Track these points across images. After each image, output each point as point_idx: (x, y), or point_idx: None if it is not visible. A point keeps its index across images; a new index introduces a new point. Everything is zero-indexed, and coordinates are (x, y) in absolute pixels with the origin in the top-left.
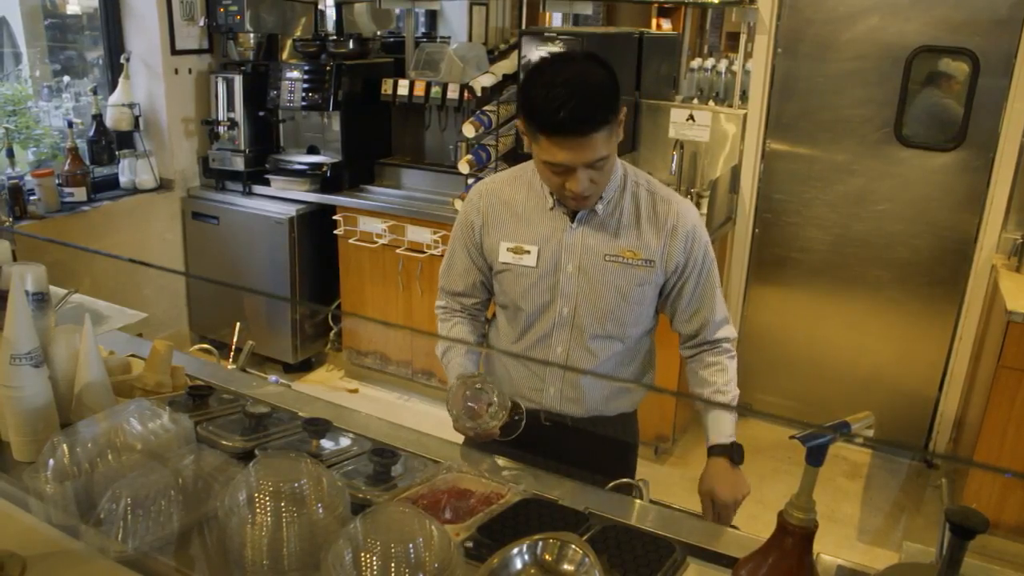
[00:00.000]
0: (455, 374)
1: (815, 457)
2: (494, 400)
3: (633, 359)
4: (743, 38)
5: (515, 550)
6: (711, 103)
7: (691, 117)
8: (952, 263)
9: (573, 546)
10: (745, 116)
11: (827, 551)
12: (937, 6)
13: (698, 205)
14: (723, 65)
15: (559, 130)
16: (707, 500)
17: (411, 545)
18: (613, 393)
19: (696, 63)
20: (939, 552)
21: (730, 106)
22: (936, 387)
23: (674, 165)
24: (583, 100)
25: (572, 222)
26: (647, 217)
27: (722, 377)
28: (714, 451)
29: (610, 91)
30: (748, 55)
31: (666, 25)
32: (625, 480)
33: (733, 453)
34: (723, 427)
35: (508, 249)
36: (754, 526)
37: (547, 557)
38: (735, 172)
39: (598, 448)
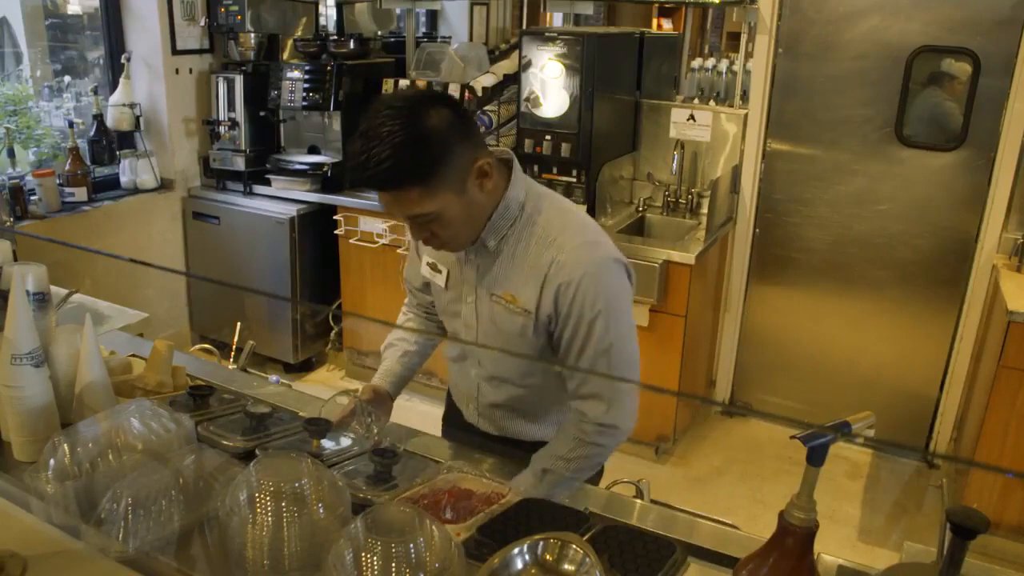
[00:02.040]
0: (378, 374)
1: (816, 457)
2: (360, 429)
3: (542, 413)
4: (744, 38)
5: (516, 550)
6: (712, 103)
7: (692, 117)
8: (953, 263)
9: (574, 546)
10: (746, 116)
11: (828, 551)
12: (938, 6)
13: (698, 205)
14: (724, 65)
15: (357, 182)
16: None
17: (412, 545)
18: (527, 422)
19: (697, 63)
20: (940, 552)
21: (731, 106)
22: (937, 387)
23: (675, 165)
24: (380, 158)
25: (468, 253)
26: (529, 261)
27: (581, 451)
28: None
29: (422, 150)
30: (749, 55)
31: (667, 25)
32: (625, 480)
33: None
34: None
35: (428, 263)
36: (755, 526)
37: (548, 557)
38: (736, 172)
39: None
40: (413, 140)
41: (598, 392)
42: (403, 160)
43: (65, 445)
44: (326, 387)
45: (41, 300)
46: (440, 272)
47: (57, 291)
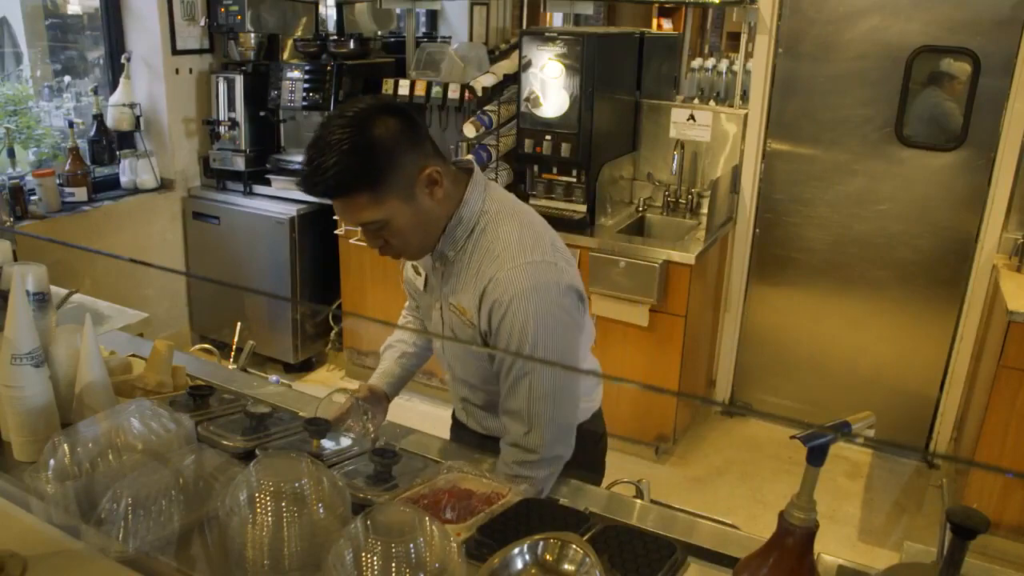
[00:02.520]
0: (375, 374)
1: (816, 457)
2: (356, 428)
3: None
4: (744, 38)
5: (516, 550)
6: (712, 103)
7: (692, 117)
8: (953, 263)
9: (574, 546)
10: (746, 116)
11: (828, 551)
12: (938, 6)
13: (699, 205)
14: (724, 65)
15: (307, 190)
16: None
17: (412, 545)
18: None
19: (697, 63)
20: (940, 552)
21: (731, 106)
22: (937, 387)
23: (675, 165)
24: (325, 167)
25: (436, 261)
26: (475, 274)
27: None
28: None
29: (367, 157)
30: (749, 55)
31: (667, 25)
32: (625, 480)
33: None
34: None
35: (411, 266)
36: (755, 526)
37: (548, 557)
38: (736, 172)
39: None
40: (359, 148)
41: (518, 411)
42: (349, 167)
43: (65, 445)
44: (326, 387)
45: (41, 300)
46: (419, 276)
47: (57, 291)
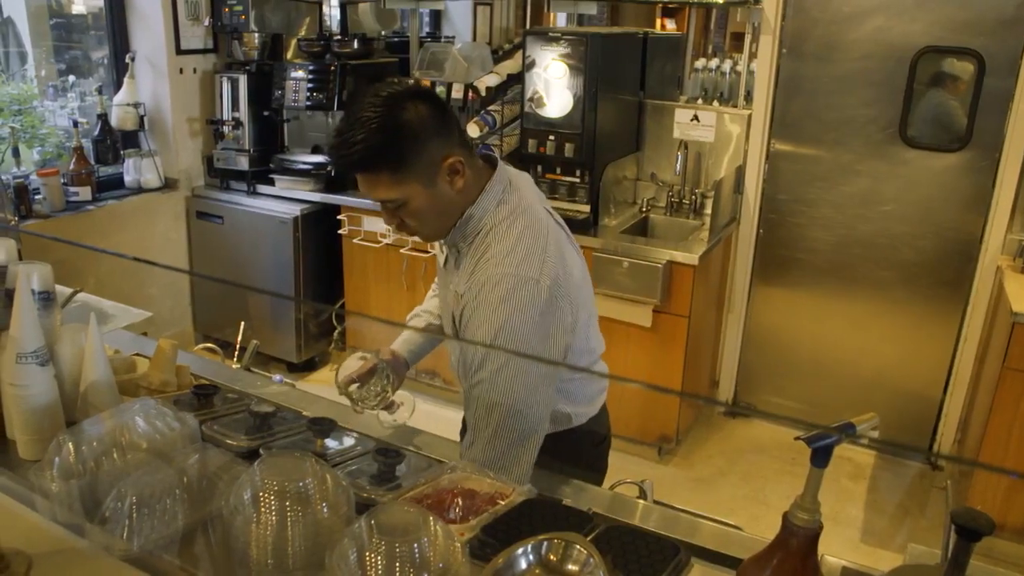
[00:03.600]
0: (398, 340)
1: (820, 458)
2: (376, 387)
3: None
4: (748, 38)
5: (520, 550)
6: (716, 103)
7: (695, 117)
8: (957, 264)
9: (578, 546)
10: (750, 116)
11: (831, 552)
12: (942, 6)
13: (702, 205)
14: (727, 65)
15: (333, 160)
16: None
17: (416, 545)
18: None
19: (701, 63)
20: (944, 554)
21: (735, 106)
22: (941, 388)
23: (678, 165)
24: (353, 142)
25: (451, 247)
26: (471, 271)
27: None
28: None
29: (394, 138)
30: (753, 55)
31: (670, 25)
32: (628, 481)
33: None
34: None
35: (441, 244)
36: (758, 527)
37: (552, 557)
38: (739, 173)
39: None
40: (387, 128)
41: (469, 421)
42: (375, 145)
43: (70, 444)
44: (329, 387)
45: (46, 299)
46: (442, 253)
47: (62, 290)
